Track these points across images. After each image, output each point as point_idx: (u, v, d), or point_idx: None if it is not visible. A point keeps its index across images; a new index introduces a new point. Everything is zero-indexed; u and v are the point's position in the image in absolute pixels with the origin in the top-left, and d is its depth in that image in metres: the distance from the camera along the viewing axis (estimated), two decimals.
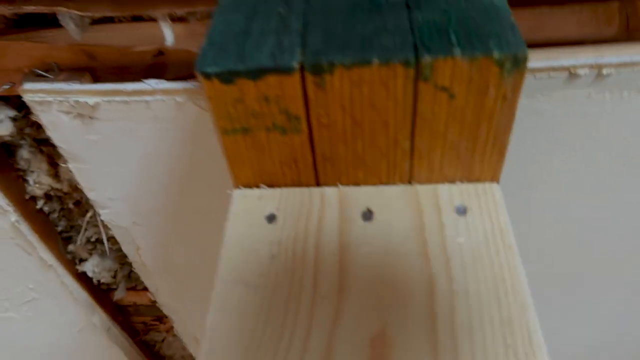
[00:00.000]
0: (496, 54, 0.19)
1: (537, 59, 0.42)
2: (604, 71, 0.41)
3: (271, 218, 0.23)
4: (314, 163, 0.24)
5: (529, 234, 0.56)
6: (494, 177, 0.24)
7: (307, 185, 0.25)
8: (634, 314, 0.69)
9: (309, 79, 0.20)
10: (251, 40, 0.21)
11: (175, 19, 0.44)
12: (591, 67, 0.41)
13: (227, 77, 0.20)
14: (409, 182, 0.24)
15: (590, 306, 0.68)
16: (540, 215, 0.54)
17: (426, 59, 0.19)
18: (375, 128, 0.22)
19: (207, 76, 0.20)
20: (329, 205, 0.24)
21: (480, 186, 0.24)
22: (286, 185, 0.25)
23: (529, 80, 0.42)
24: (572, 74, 0.42)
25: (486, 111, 0.21)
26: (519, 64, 0.19)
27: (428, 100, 0.20)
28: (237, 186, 0.25)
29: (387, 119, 0.21)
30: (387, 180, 0.24)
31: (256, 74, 0.20)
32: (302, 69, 0.20)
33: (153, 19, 0.45)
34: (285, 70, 0.20)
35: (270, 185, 0.25)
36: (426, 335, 0.18)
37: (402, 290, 0.20)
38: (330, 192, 0.24)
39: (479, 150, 0.22)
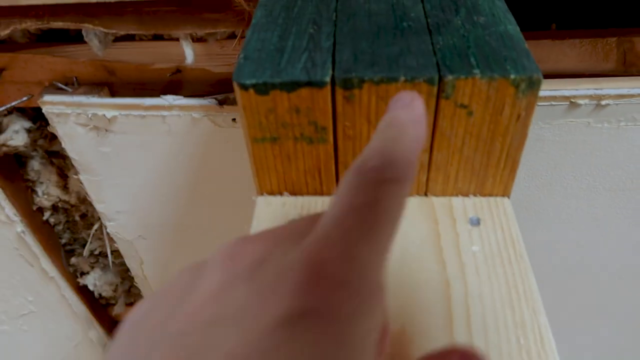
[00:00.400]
0: (512, 76, 0.21)
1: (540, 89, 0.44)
2: (603, 102, 0.44)
3: None
4: (337, 173, 0.25)
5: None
6: (505, 192, 0.25)
7: (329, 194, 0.26)
8: (622, 351, 0.70)
9: (339, 92, 0.22)
10: (285, 57, 0.23)
11: (194, 39, 0.46)
12: (591, 97, 0.44)
13: (263, 89, 0.22)
14: (425, 194, 0.25)
15: (570, 343, 0.68)
16: (539, 238, 0.56)
17: (448, 78, 0.21)
18: None
19: (244, 87, 0.22)
20: None
21: (492, 200, 0.25)
22: (308, 194, 0.26)
23: None
24: (572, 103, 0.44)
25: (501, 129, 0.22)
26: (533, 86, 0.21)
27: (448, 117, 0.22)
28: (261, 193, 0.26)
29: None
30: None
31: (290, 86, 0.22)
32: (332, 83, 0.22)
33: (173, 38, 0.47)
34: (318, 85, 0.21)
35: (293, 193, 0.26)
36: (444, 333, 0.19)
37: (420, 293, 0.21)
38: None
39: (492, 166, 0.24)
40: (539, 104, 0.44)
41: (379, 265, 0.13)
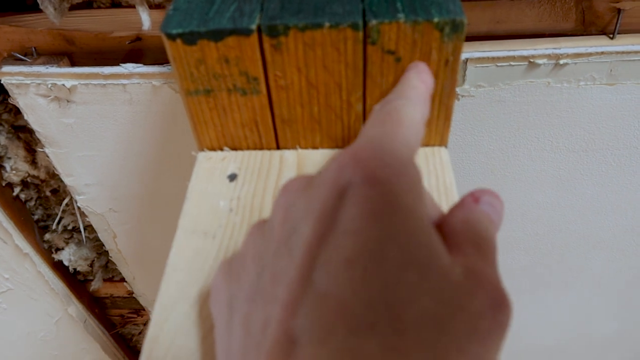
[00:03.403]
0: (436, 19, 0.21)
1: (498, 49, 0.44)
2: (561, 61, 0.44)
3: (233, 177, 0.25)
4: (274, 126, 0.25)
5: None
6: (442, 142, 0.25)
7: (269, 148, 0.26)
8: (593, 311, 0.71)
9: (266, 40, 0.22)
10: (214, 7, 0.23)
11: (152, 6, 0.45)
12: (549, 57, 0.44)
13: (190, 38, 0.22)
14: None
15: (551, 303, 0.70)
16: (506, 201, 0.56)
17: (373, 22, 0.21)
18: (329, 90, 0.23)
19: (171, 37, 0.22)
20: (287, 165, 0.25)
21: (429, 149, 0.25)
22: (248, 148, 0.26)
23: (491, 70, 0.45)
24: (531, 63, 0.44)
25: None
26: (457, 29, 0.21)
27: (376, 63, 0.22)
28: (201, 149, 0.27)
29: (339, 81, 0.23)
30: (343, 144, 0.26)
31: (217, 35, 0.21)
32: (259, 31, 0.21)
33: (131, 6, 0.46)
34: (244, 32, 0.21)
35: (234, 148, 0.26)
36: None
37: None
38: (289, 154, 0.26)
39: None
40: (498, 64, 0.44)
41: (400, 150, 0.16)
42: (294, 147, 0.26)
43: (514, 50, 0.43)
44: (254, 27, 0.21)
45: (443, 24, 0.21)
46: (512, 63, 0.44)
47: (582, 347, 0.78)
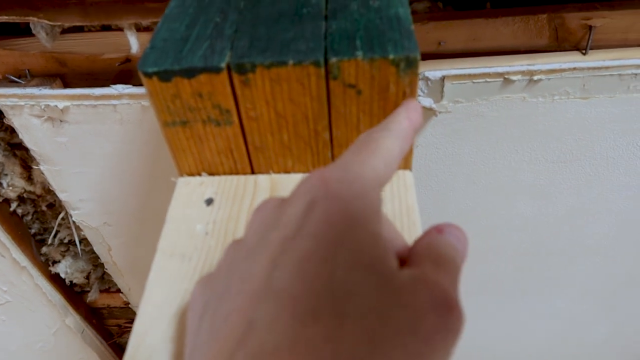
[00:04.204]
0: (391, 56, 0.22)
1: (474, 66, 0.46)
2: (535, 77, 0.45)
3: (209, 201, 0.27)
4: (248, 153, 0.27)
5: (475, 231, 0.60)
6: (407, 165, 0.27)
7: (244, 173, 0.28)
8: (581, 317, 0.73)
9: (236, 77, 0.23)
10: (188, 45, 0.24)
11: (140, 29, 0.47)
12: (523, 73, 0.45)
13: (165, 76, 0.23)
14: None
15: (536, 309, 0.71)
16: (486, 212, 0.58)
17: (333, 60, 0.22)
18: (297, 120, 0.25)
19: (148, 75, 0.23)
20: (261, 189, 0.27)
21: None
22: (225, 173, 0.28)
23: (468, 86, 0.46)
24: (506, 79, 0.46)
25: (390, 105, 0.24)
26: (411, 64, 0.22)
27: (339, 96, 0.24)
28: (181, 174, 0.28)
29: (306, 113, 0.25)
30: (314, 168, 0.27)
31: (189, 73, 0.23)
32: (229, 68, 0.23)
33: (121, 29, 0.48)
34: (214, 70, 0.23)
35: (211, 173, 0.28)
36: None
37: None
38: (263, 179, 0.27)
39: None
40: (474, 81, 0.46)
41: (366, 176, 0.18)
42: (267, 172, 0.27)
43: (489, 67, 0.45)
44: (223, 65, 0.23)
45: (398, 60, 0.22)
46: (487, 79, 0.45)
47: (573, 353, 0.79)
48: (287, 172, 0.27)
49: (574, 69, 0.44)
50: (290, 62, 0.22)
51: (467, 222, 0.58)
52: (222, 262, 0.19)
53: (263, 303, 0.15)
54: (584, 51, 0.46)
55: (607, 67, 0.44)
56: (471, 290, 0.67)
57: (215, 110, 0.24)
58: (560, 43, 0.47)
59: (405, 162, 0.27)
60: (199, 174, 0.28)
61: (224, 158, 0.27)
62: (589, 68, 0.44)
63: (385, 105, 0.24)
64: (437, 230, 0.20)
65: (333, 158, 0.27)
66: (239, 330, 0.14)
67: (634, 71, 0.44)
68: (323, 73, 0.23)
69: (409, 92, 0.23)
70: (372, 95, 0.24)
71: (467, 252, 0.20)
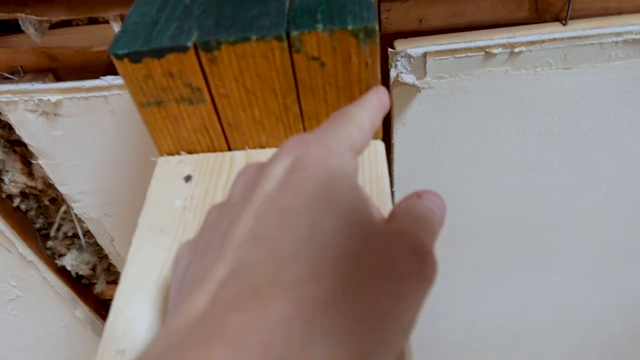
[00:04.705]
0: (350, 27, 0.23)
1: (454, 42, 0.46)
2: (516, 49, 0.46)
3: (188, 178, 0.28)
4: (223, 130, 0.28)
5: (466, 207, 0.60)
6: (377, 136, 0.28)
7: (221, 150, 0.29)
8: (574, 292, 0.73)
9: (203, 55, 0.24)
10: (158, 27, 0.25)
11: None
12: (504, 46, 0.46)
13: (135, 57, 0.24)
14: None
15: (528, 285, 0.72)
16: (476, 187, 0.58)
17: (294, 33, 0.23)
18: (266, 95, 0.26)
19: (119, 57, 0.24)
20: (237, 165, 0.28)
21: None
22: (202, 151, 0.29)
23: (450, 61, 0.47)
24: (487, 53, 0.46)
25: (354, 76, 0.25)
26: (370, 34, 0.23)
27: (304, 69, 0.25)
28: (161, 154, 0.29)
29: (274, 87, 0.25)
30: None
31: (158, 53, 0.24)
32: (195, 47, 0.24)
33: (107, 21, 0.49)
34: (181, 49, 0.24)
35: (189, 152, 0.29)
36: None
37: None
38: (239, 154, 0.28)
39: None
40: (456, 56, 0.46)
41: (342, 141, 0.19)
42: (243, 148, 0.28)
43: (470, 42, 0.46)
44: (190, 44, 0.24)
45: (357, 31, 0.23)
46: (469, 54, 0.46)
47: (566, 329, 0.80)
48: (262, 147, 0.28)
49: (554, 39, 0.45)
50: (254, 37, 0.23)
51: (457, 198, 0.59)
52: (205, 224, 0.20)
53: (244, 248, 0.16)
54: (564, 22, 0.46)
55: (587, 37, 0.45)
56: (463, 267, 0.68)
57: (187, 88, 0.25)
58: (540, 15, 0.47)
59: (376, 133, 0.28)
60: (178, 153, 0.29)
61: (200, 136, 0.28)
62: (569, 38, 0.45)
63: (349, 77, 0.25)
64: (416, 195, 0.21)
65: (304, 130, 0.28)
66: (221, 274, 0.15)
67: (614, 39, 0.45)
68: (286, 47, 0.24)
69: (370, 62, 0.24)
70: (336, 66, 0.24)
71: (444, 219, 0.21)
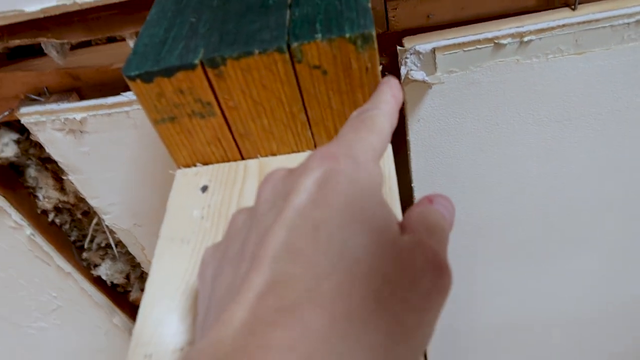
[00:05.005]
0: (348, 35, 0.24)
1: (463, 35, 0.46)
2: (525, 39, 0.46)
3: (204, 188, 0.29)
4: (235, 140, 0.29)
5: (490, 199, 0.60)
6: None
7: (234, 159, 0.30)
8: (609, 277, 0.72)
9: (210, 71, 0.25)
10: (166, 47, 0.26)
11: None
12: (513, 36, 0.46)
13: (146, 77, 0.26)
14: (315, 147, 0.29)
15: (561, 273, 0.71)
16: (498, 178, 0.58)
17: (295, 45, 0.24)
18: (273, 105, 0.27)
19: (131, 78, 0.26)
20: (250, 173, 0.29)
21: None
22: (217, 161, 0.30)
23: (460, 55, 0.47)
24: (496, 44, 0.46)
25: (356, 81, 0.25)
26: (367, 40, 0.24)
27: (307, 78, 0.25)
28: (178, 167, 0.31)
29: (280, 97, 0.26)
30: (297, 148, 0.29)
31: (168, 72, 0.25)
32: (202, 64, 0.25)
33: (124, 39, 0.51)
34: (189, 67, 0.25)
35: (205, 163, 0.30)
36: None
37: None
38: (251, 163, 0.30)
39: None
40: (465, 49, 0.46)
41: (367, 152, 0.20)
42: (255, 157, 0.30)
43: (478, 34, 0.46)
44: (197, 61, 0.25)
45: (355, 38, 0.24)
46: (478, 46, 0.46)
47: (599, 316, 0.78)
48: (273, 154, 0.29)
49: (564, 25, 0.44)
50: (256, 51, 0.24)
51: (479, 190, 0.59)
52: (231, 229, 0.21)
53: (279, 262, 0.16)
54: (573, 6, 0.46)
55: (597, 20, 0.44)
56: (489, 259, 0.68)
57: (198, 103, 0.27)
58: (549, 1, 0.47)
59: None
60: (194, 165, 0.30)
61: (214, 148, 0.29)
62: (578, 23, 0.44)
63: (351, 83, 0.26)
64: (428, 200, 0.21)
65: (313, 136, 0.28)
66: (258, 286, 0.16)
67: (626, 20, 0.44)
68: (288, 58, 0.25)
69: (370, 67, 0.25)
70: (337, 73, 0.25)
71: (453, 220, 0.22)
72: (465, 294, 0.73)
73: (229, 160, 0.30)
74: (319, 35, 0.24)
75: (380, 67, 0.29)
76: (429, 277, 0.17)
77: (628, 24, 0.44)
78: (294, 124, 0.28)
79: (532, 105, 0.51)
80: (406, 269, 0.17)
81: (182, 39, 0.26)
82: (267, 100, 0.26)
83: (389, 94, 0.23)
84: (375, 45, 0.24)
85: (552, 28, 0.45)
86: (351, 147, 0.20)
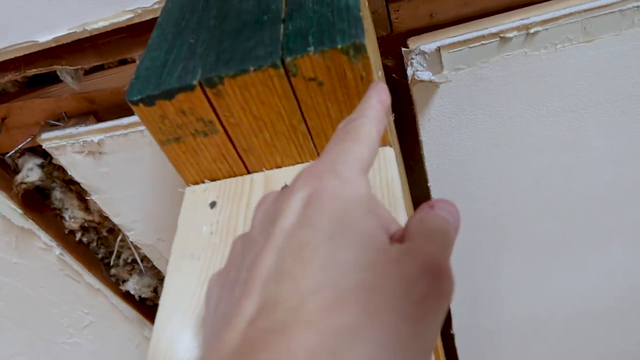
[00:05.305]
0: (340, 46, 0.24)
1: (466, 31, 0.46)
2: (532, 30, 0.45)
3: (213, 204, 0.29)
4: (239, 155, 0.29)
5: (510, 193, 0.59)
6: (385, 142, 0.29)
7: (240, 174, 0.30)
8: (634, 264, 0.70)
9: (209, 90, 0.26)
10: (166, 70, 0.27)
11: None
12: (518, 29, 0.45)
13: (148, 101, 0.26)
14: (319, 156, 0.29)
15: (589, 264, 0.69)
16: (516, 172, 0.57)
17: (288, 59, 0.25)
18: (273, 119, 0.27)
19: (134, 103, 0.27)
20: (256, 187, 0.29)
21: None
22: (224, 177, 0.31)
23: (465, 52, 0.47)
24: (502, 38, 0.46)
25: (352, 90, 0.26)
26: (359, 50, 0.24)
27: (303, 90, 0.26)
28: (187, 184, 0.31)
29: (279, 111, 0.27)
30: (301, 159, 0.29)
31: (168, 94, 0.26)
32: (201, 84, 0.26)
33: (135, 60, 0.52)
34: (188, 88, 0.26)
35: (212, 179, 0.31)
36: None
37: None
38: (257, 176, 0.30)
39: None
40: (471, 45, 0.46)
41: (352, 164, 0.20)
42: (260, 170, 0.30)
43: (483, 29, 0.45)
44: (195, 82, 0.26)
45: (347, 48, 0.24)
46: (483, 42, 0.46)
47: (626, 305, 0.76)
48: (278, 166, 0.30)
49: (571, 14, 0.44)
50: (251, 68, 0.25)
51: (498, 185, 0.58)
52: (231, 256, 0.22)
53: (268, 285, 0.17)
54: None
55: (605, 6, 0.43)
56: (514, 254, 0.67)
57: (200, 122, 0.27)
58: None
59: (384, 139, 0.29)
60: (202, 182, 0.31)
61: (220, 164, 0.30)
62: (586, 10, 0.44)
63: (347, 92, 0.26)
64: (428, 206, 0.21)
65: (315, 146, 0.29)
66: (249, 311, 0.16)
67: (635, 4, 0.43)
68: (283, 72, 0.25)
69: (365, 75, 0.25)
70: (333, 84, 0.25)
71: (459, 224, 0.21)
72: (488, 292, 0.72)
73: (235, 175, 0.30)
74: (312, 48, 0.24)
75: (380, 73, 0.29)
76: (424, 283, 0.17)
77: (637, 7, 0.43)
78: (295, 136, 0.28)
79: (545, 97, 0.50)
80: (397, 277, 0.17)
81: (181, 60, 0.27)
82: (266, 115, 0.27)
83: (374, 99, 0.23)
84: (368, 54, 0.24)
85: (559, 17, 0.44)
86: (335, 162, 0.20)
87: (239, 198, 0.29)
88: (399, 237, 0.20)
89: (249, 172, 0.30)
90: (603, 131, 0.54)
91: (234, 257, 0.21)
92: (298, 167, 0.29)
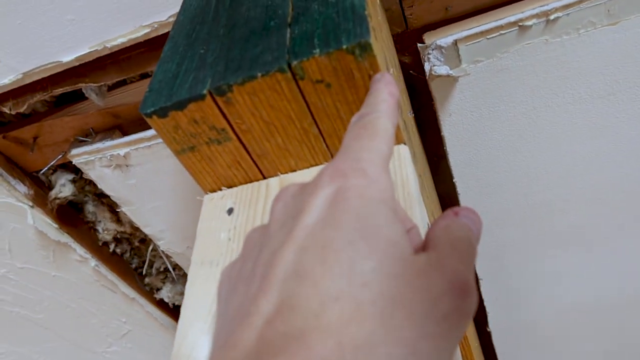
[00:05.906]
0: (345, 46, 0.24)
1: (483, 22, 0.45)
2: (552, 17, 0.44)
3: (230, 211, 0.30)
4: (254, 161, 0.30)
5: (538, 185, 0.58)
6: (399, 140, 0.28)
7: (256, 179, 0.31)
8: None
9: (219, 99, 0.26)
10: (178, 81, 0.28)
11: None
12: (538, 16, 0.44)
13: (161, 112, 0.27)
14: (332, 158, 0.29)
15: (619, 257, 0.66)
16: (543, 163, 0.56)
17: (294, 63, 0.24)
18: (284, 124, 0.27)
19: (148, 115, 0.27)
20: (272, 191, 0.30)
21: None
22: (240, 183, 0.31)
23: (483, 43, 0.46)
24: (521, 27, 0.44)
25: (361, 90, 0.25)
26: (365, 49, 0.24)
27: (312, 93, 0.26)
28: (205, 192, 0.32)
29: (289, 115, 0.27)
30: (315, 161, 0.29)
31: (180, 105, 0.26)
32: (211, 93, 0.26)
33: None
34: (199, 98, 0.26)
35: (229, 186, 0.31)
36: None
37: None
38: (273, 181, 0.30)
39: None
40: (488, 36, 0.45)
41: (375, 161, 0.19)
42: (276, 174, 0.30)
43: (500, 19, 0.44)
44: (205, 92, 0.26)
45: (352, 48, 0.24)
46: (501, 32, 0.45)
47: None
48: (292, 170, 0.30)
49: None
50: (259, 74, 0.25)
51: (524, 178, 0.57)
52: (246, 247, 0.21)
53: (288, 284, 0.16)
54: None
55: None
56: (547, 245, 0.65)
57: (213, 131, 0.28)
58: None
59: (398, 137, 0.28)
60: (220, 189, 0.31)
61: (235, 170, 0.30)
62: None
63: (356, 92, 0.26)
64: (453, 213, 0.20)
65: (328, 148, 0.29)
66: (266, 310, 0.16)
67: None
68: (290, 76, 0.25)
69: (373, 74, 0.25)
70: (341, 84, 0.25)
71: (480, 235, 0.21)
72: (521, 286, 0.70)
73: (251, 181, 0.31)
74: (317, 51, 0.24)
75: (392, 71, 0.29)
76: (449, 300, 0.16)
77: None
78: (308, 139, 0.28)
79: (570, 84, 0.49)
80: (421, 291, 0.16)
81: (192, 71, 0.28)
82: (277, 119, 0.27)
83: (385, 91, 0.22)
84: (374, 52, 0.24)
85: (580, 1, 0.43)
86: (358, 159, 0.19)
87: (255, 203, 0.29)
88: (422, 245, 0.19)
89: (264, 177, 0.30)
90: (632, 117, 0.52)
91: (250, 249, 0.21)
92: (313, 170, 0.29)
